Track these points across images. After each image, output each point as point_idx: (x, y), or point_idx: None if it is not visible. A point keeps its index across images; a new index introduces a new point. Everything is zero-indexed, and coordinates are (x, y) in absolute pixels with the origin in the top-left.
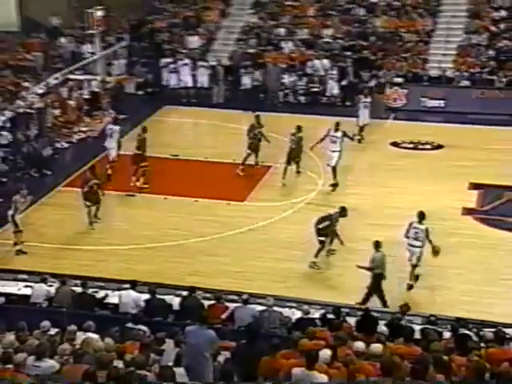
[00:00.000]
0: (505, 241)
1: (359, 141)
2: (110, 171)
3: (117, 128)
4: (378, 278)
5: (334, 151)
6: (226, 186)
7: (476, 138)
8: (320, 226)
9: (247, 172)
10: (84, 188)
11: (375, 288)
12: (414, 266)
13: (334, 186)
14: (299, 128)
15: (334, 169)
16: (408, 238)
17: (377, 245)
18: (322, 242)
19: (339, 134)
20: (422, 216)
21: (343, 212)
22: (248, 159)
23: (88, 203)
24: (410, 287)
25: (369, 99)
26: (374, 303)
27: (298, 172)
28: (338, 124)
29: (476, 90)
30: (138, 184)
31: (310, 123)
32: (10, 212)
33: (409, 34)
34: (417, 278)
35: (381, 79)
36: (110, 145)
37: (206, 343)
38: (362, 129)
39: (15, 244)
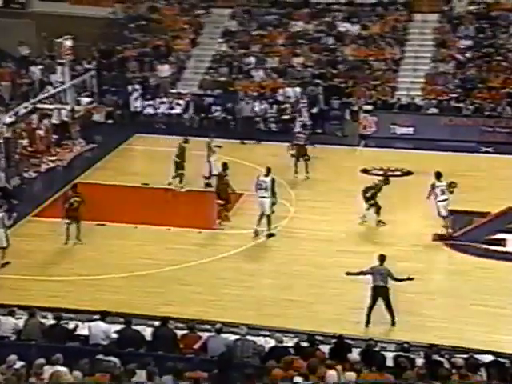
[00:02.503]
0: (474, 266)
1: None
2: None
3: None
4: (373, 291)
5: (263, 197)
6: (198, 213)
7: (445, 165)
8: (367, 195)
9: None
10: (65, 205)
11: (372, 301)
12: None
13: (271, 235)
14: (225, 165)
15: (268, 217)
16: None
17: (381, 258)
18: (373, 205)
19: (268, 179)
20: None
21: (387, 181)
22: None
23: (67, 221)
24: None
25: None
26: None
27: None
28: (268, 169)
29: (444, 117)
30: (182, 190)
31: (280, 151)
32: None
33: (377, 62)
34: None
35: (354, 107)
36: None
37: None
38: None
39: None
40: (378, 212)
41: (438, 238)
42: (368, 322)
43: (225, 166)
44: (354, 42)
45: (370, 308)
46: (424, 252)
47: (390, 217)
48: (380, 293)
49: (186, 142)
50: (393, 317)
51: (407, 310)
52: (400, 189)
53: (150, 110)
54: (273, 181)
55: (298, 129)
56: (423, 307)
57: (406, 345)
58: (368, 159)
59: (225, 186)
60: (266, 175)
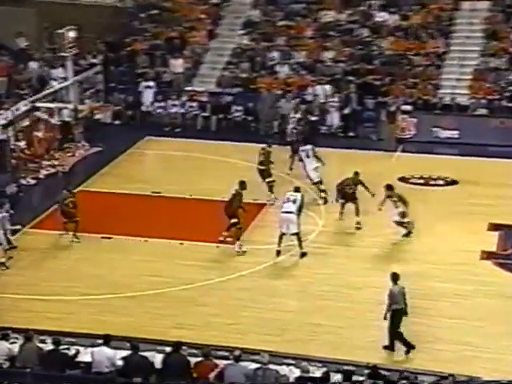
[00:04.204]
0: None
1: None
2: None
3: None
4: (396, 315)
5: (289, 212)
6: (215, 226)
7: (494, 173)
8: (349, 191)
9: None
10: (61, 205)
11: (393, 327)
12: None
13: (304, 255)
14: (243, 183)
15: (297, 235)
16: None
17: (394, 277)
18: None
19: (298, 194)
20: None
21: (356, 175)
22: None
23: (65, 219)
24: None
25: (298, 115)
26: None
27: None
28: (296, 189)
29: (494, 119)
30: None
31: None
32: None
33: (419, 56)
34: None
35: (390, 107)
36: None
37: None
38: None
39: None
40: (357, 212)
41: (487, 255)
42: (409, 349)
43: (243, 184)
44: (392, 34)
45: (401, 333)
46: (470, 272)
47: (431, 231)
48: (400, 316)
49: (269, 146)
50: (394, 343)
51: (449, 338)
52: (443, 200)
53: (161, 110)
54: (302, 198)
55: (291, 125)
56: (468, 335)
57: (450, 377)
58: (406, 166)
59: (237, 204)
60: (296, 191)
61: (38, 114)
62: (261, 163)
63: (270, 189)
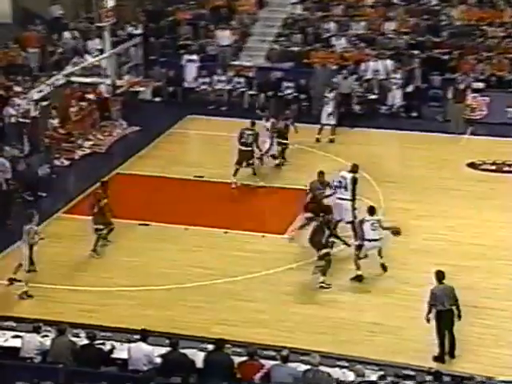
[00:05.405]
0: None
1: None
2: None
3: None
4: (441, 317)
5: (342, 199)
6: (262, 214)
7: None
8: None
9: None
10: (94, 209)
11: (438, 330)
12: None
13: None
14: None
15: (352, 224)
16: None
17: (439, 276)
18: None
19: (349, 176)
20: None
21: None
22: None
23: (99, 226)
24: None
25: (331, 95)
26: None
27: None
28: (354, 166)
29: None
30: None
31: (366, 138)
32: (23, 245)
33: (493, 27)
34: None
35: (459, 84)
36: None
37: None
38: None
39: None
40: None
41: None
42: (442, 356)
43: (320, 174)
44: (464, 2)
45: (443, 338)
46: None
47: (504, 224)
48: (446, 318)
49: (253, 124)
50: (454, 347)
51: None
52: None
53: (206, 87)
54: (354, 180)
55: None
56: None
57: None
58: (477, 151)
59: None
60: (350, 171)
61: (73, 88)
62: (245, 144)
63: (254, 170)
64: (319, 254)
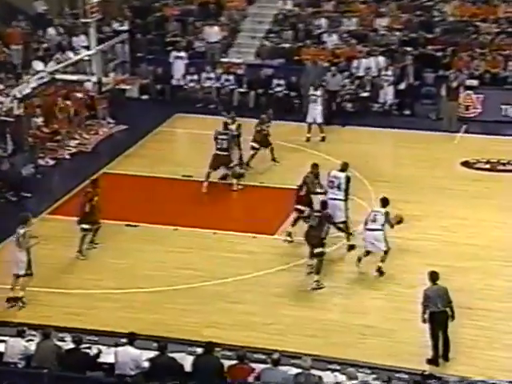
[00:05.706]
0: None
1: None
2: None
3: None
4: (434, 319)
5: (334, 199)
6: (252, 214)
7: None
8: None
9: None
10: (85, 208)
11: (432, 332)
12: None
13: (351, 248)
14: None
15: (344, 224)
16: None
17: (433, 277)
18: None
19: (342, 175)
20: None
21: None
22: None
23: (86, 226)
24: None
25: (319, 92)
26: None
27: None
28: (344, 165)
29: None
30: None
31: (358, 136)
32: (18, 249)
33: (487, 23)
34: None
35: (452, 82)
36: None
37: None
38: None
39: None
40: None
41: None
42: (436, 358)
43: (315, 166)
44: None
45: (437, 340)
46: None
47: (499, 224)
48: (439, 320)
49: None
50: (448, 350)
51: None
52: None
53: (194, 84)
54: (348, 179)
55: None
56: None
57: None
58: (471, 149)
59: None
60: (341, 170)
61: (57, 86)
62: (221, 149)
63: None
64: (313, 251)
